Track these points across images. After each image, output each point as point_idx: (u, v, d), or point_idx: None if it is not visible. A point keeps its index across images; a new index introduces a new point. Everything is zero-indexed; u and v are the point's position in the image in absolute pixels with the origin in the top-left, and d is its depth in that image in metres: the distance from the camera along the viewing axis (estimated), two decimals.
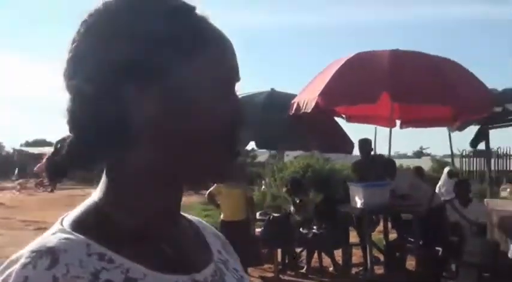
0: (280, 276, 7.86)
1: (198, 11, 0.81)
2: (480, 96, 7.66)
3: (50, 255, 0.69)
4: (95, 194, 0.82)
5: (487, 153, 9.80)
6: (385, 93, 7.59)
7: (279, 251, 8.16)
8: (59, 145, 0.81)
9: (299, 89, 8.64)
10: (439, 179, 14.21)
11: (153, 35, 0.76)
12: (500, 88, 7.97)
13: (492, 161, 19.97)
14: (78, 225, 0.76)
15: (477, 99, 7.51)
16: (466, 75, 8.16)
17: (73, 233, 0.74)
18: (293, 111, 8.24)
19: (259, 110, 9.06)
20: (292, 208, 8.72)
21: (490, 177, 9.60)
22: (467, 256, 6.60)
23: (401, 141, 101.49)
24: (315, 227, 8.07)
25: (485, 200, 8.39)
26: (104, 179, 0.82)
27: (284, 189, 8.87)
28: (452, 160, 14.52)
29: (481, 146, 10.11)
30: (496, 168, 17.85)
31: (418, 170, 9.99)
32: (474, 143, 8.81)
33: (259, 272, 8.04)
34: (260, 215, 8.90)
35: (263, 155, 26.46)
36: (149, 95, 0.76)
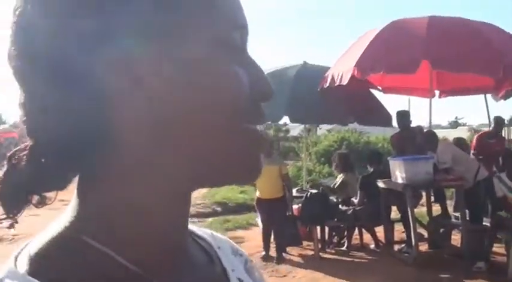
0: (321, 254, 7.64)
1: None
2: None
3: None
4: (65, 217, 0.56)
5: None
6: (425, 61, 7.23)
7: (319, 228, 7.93)
8: (13, 160, 0.55)
9: (332, 61, 8.33)
10: None
11: None
12: None
13: None
14: (39, 264, 0.52)
15: None
16: (510, 41, 7.71)
17: (28, 278, 0.50)
18: (327, 84, 7.97)
19: (292, 84, 8.84)
20: (335, 184, 8.42)
21: None
22: None
23: (434, 112, 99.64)
24: (355, 203, 7.81)
25: None
26: (77, 197, 0.57)
27: (333, 166, 8.61)
28: None
29: None
30: None
31: (460, 141, 9.53)
32: None
33: (299, 250, 7.87)
34: (297, 191, 8.68)
35: (295, 129, 26.19)
36: (143, 66, 0.51)
